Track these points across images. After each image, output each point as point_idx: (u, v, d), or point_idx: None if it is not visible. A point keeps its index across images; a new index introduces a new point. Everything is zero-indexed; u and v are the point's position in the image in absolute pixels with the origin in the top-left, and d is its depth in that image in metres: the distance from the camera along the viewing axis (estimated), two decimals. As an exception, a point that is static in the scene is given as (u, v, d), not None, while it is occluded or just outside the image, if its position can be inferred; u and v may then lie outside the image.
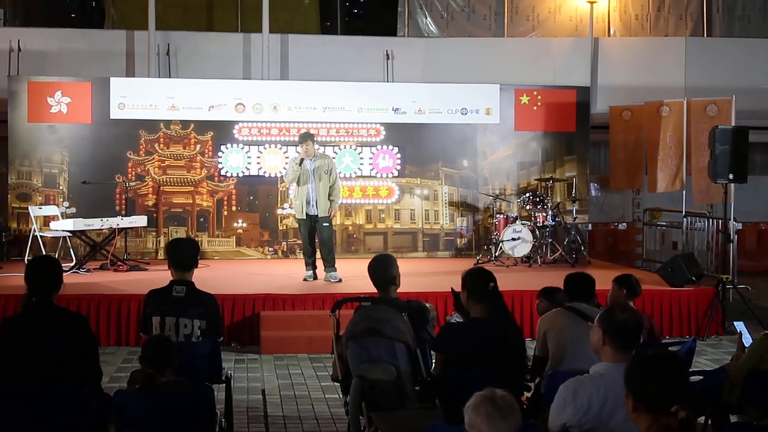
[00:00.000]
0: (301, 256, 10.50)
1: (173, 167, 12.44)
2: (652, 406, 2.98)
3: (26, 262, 10.79)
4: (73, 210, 12.04)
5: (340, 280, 9.94)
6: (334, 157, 12.08)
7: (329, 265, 10.04)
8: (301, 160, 9.81)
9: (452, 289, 6.00)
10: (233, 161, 12.49)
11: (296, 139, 12.36)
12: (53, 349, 4.44)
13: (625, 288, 5.99)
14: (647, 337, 6.10)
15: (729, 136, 10.03)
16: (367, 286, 8.80)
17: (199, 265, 5.50)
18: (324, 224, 9.91)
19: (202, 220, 12.52)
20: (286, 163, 11.72)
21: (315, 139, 10.26)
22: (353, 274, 10.33)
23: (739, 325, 5.57)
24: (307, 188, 9.84)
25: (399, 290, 5.50)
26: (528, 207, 12.02)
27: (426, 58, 14.24)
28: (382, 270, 5.42)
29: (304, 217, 9.92)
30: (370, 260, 5.53)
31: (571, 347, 5.03)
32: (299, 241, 12.36)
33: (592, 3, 14.68)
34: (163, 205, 12.40)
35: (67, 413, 4.36)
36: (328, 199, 9.89)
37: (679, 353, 5.57)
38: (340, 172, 11.22)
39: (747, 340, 5.33)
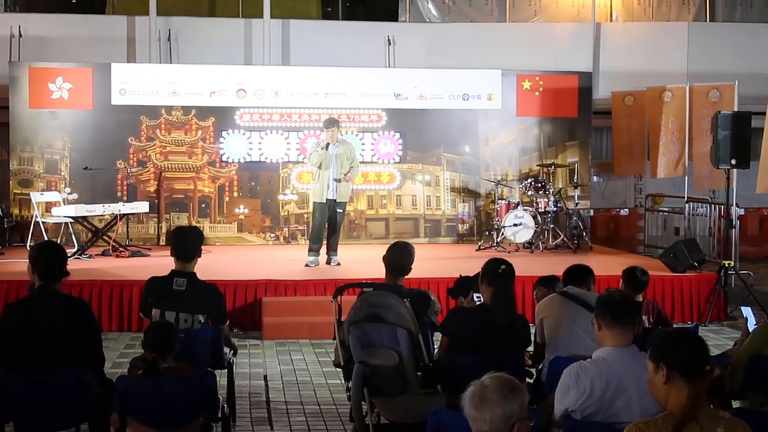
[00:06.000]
0: (303, 241, 10.51)
1: (175, 153, 12.42)
2: (689, 371, 3.00)
3: (28, 248, 10.82)
4: (74, 196, 12.03)
5: (339, 264, 10.11)
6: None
7: (332, 249, 10.20)
8: (327, 145, 9.87)
9: (460, 275, 6.04)
10: (235, 147, 12.46)
11: (297, 125, 12.46)
12: (56, 334, 4.44)
13: (626, 283, 5.90)
14: (656, 322, 6.09)
15: (731, 122, 10.00)
16: (368, 272, 8.91)
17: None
18: (338, 210, 10.07)
19: (203, 206, 12.50)
20: (292, 148, 11.71)
21: (340, 125, 10.26)
22: (354, 260, 10.38)
23: (746, 311, 5.57)
24: (328, 173, 9.92)
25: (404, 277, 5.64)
26: (530, 193, 11.99)
27: (427, 43, 14.17)
28: (397, 256, 5.58)
29: (324, 201, 9.99)
30: (390, 245, 5.73)
31: (565, 332, 5.03)
32: (301, 227, 12.41)
33: (594, -12, 14.62)
34: (164, 191, 12.38)
35: (70, 398, 4.38)
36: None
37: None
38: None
39: (752, 325, 5.32)
